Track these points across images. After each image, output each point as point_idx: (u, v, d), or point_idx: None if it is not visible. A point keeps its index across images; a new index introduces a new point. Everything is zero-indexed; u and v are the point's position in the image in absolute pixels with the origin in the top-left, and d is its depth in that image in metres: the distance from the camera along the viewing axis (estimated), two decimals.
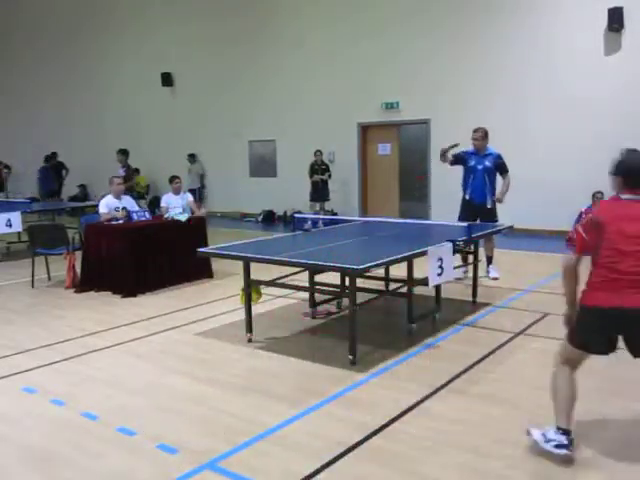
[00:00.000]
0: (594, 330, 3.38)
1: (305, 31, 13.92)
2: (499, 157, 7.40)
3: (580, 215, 10.48)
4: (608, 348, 3.42)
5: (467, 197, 7.45)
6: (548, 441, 3.26)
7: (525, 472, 3.16)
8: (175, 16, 16.21)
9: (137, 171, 16.54)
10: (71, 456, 3.43)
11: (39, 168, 17.32)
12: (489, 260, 7.56)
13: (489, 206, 7.33)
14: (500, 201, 7.35)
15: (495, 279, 7.44)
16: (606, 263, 3.36)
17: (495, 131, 11.46)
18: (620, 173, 3.28)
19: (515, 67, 11.34)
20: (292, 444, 3.49)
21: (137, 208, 8.00)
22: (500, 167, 7.38)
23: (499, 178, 7.48)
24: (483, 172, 7.34)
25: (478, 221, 7.16)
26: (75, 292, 7.39)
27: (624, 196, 3.27)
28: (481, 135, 7.40)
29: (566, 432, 3.25)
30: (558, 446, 3.21)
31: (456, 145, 7.26)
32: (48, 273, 8.08)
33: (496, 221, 7.35)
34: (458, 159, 7.46)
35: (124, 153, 12.50)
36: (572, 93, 10.77)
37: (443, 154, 7.32)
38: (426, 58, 12.27)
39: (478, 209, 7.31)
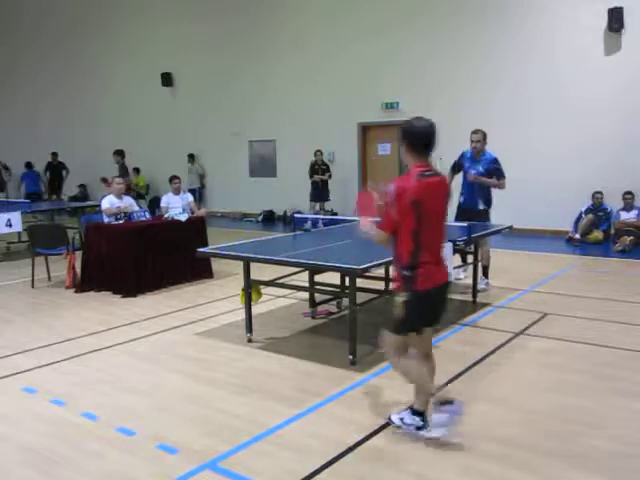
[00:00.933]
0: (428, 311, 3.47)
1: (305, 31, 13.92)
2: (494, 162, 6.98)
3: (580, 215, 10.52)
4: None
5: (460, 201, 7.22)
6: (408, 425, 3.52)
7: (525, 472, 3.16)
8: (175, 16, 16.21)
9: (137, 171, 16.60)
10: (71, 456, 3.43)
11: (22, 172, 17.33)
12: (485, 270, 7.04)
13: (481, 208, 7.03)
14: (474, 178, 6.91)
15: (481, 290, 6.84)
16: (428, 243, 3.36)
17: (495, 131, 11.48)
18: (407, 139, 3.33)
19: (515, 67, 11.34)
20: (292, 444, 3.49)
21: (137, 208, 8.02)
22: (494, 173, 6.95)
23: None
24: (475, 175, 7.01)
25: None
26: (75, 292, 7.39)
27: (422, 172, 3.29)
28: (480, 137, 7.05)
29: (421, 414, 3.50)
30: (418, 428, 3.48)
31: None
32: (48, 273, 8.08)
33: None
34: (458, 169, 7.20)
35: (120, 154, 12.59)
36: (572, 93, 10.78)
37: None
38: (426, 58, 12.27)
39: (469, 213, 7.00)
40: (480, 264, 6.87)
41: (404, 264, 3.35)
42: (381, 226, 3.35)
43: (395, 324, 3.44)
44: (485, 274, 7.05)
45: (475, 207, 7.02)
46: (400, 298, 3.36)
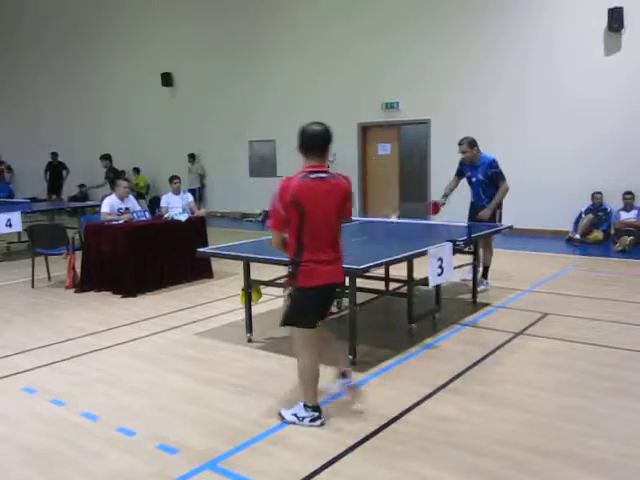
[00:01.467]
0: (310, 308, 3.60)
1: (305, 31, 13.92)
2: (491, 165, 6.74)
3: (580, 215, 10.52)
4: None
5: (471, 200, 7.20)
6: (302, 419, 3.64)
7: (525, 472, 3.16)
8: (175, 16, 16.21)
9: (137, 171, 16.61)
10: (71, 456, 3.43)
11: None
12: (485, 271, 6.99)
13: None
14: (484, 216, 6.75)
15: (481, 291, 6.80)
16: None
17: (495, 131, 11.54)
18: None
19: (515, 67, 11.34)
20: (292, 444, 3.49)
21: (139, 208, 8.03)
22: (494, 177, 6.75)
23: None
24: (477, 185, 6.95)
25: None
26: (75, 292, 7.39)
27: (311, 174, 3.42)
28: (465, 149, 6.78)
29: (315, 408, 3.65)
30: (313, 419, 3.63)
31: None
32: (48, 273, 8.08)
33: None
34: (459, 172, 7.10)
35: (107, 158, 12.66)
36: (572, 93, 10.78)
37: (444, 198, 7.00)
38: (426, 58, 12.27)
39: (478, 211, 7.00)
40: (481, 264, 6.84)
41: (289, 260, 3.53)
42: (270, 223, 3.50)
43: (283, 316, 3.63)
44: (485, 275, 7.02)
45: (483, 208, 6.94)
46: (286, 291, 3.57)
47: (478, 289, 6.61)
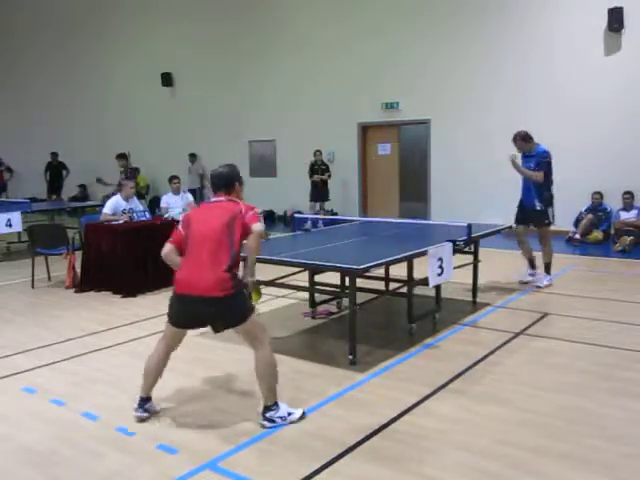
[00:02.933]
0: (173, 309, 3.87)
1: (305, 31, 13.92)
2: (541, 155, 6.90)
3: (580, 214, 10.51)
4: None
5: (520, 198, 7.23)
6: (286, 417, 3.72)
7: (525, 472, 3.16)
8: (175, 16, 16.21)
9: (137, 170, 16.58)
10: (71, 456, 3.43)
11: None
12: (547, 267, 7.10)
13: (538, 208, 6.96)
14: (514, 160, 6.94)
15: (538, 287, 7.02)
16: None
17: (495, 131, 11.53)
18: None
19: (515, 67, 11.34)
20: (292, 444, 3.49)
21: (141, 208, 8.03)
22: (539, 165, 6.89)
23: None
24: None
25: (531, 226, 7.11)
26: (75, 292, 7.39)
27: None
28: (519, 144, 7.01)
29: (276, 403, 3.73)
30: (289, 414, 3.74)
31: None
32: (48, 273, 8.08)
33: (547, 223, 7.00)
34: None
35: (124, 157, 12.55)
36: (572, 93, 10.78)
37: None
38: (426, 58, 12.27)
39: (528, 212, 7.06)
40: (543, 261, 7.10)
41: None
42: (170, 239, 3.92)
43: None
44: (548, 270, 7.14)
45: (533, 207, 7.00)
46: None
47: (539, 284, 7.02)
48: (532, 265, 7.31)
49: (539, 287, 7.02)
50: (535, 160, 6.94)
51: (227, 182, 3.88)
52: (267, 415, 3.70)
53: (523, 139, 6.98)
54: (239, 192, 3.93)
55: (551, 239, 7.17)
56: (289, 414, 3.74)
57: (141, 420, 3.81)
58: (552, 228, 7.15)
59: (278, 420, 3.70)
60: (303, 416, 3.78)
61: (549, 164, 6.94)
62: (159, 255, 4.10)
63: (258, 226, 3.68)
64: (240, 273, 3.73)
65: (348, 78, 13.34)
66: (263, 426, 3.68)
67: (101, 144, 17.77)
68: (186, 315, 3.74)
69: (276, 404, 3.73)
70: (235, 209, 3.73)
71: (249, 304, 3.74)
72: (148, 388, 3.88)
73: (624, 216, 10.14)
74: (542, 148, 7.00)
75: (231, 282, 3.58)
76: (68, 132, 18.98)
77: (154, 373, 3.84)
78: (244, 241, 3.72)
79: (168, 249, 3.91)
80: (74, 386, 4.45)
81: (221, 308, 3.60)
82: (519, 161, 6.99)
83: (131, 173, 12.14)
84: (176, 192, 8.77)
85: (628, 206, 10.19)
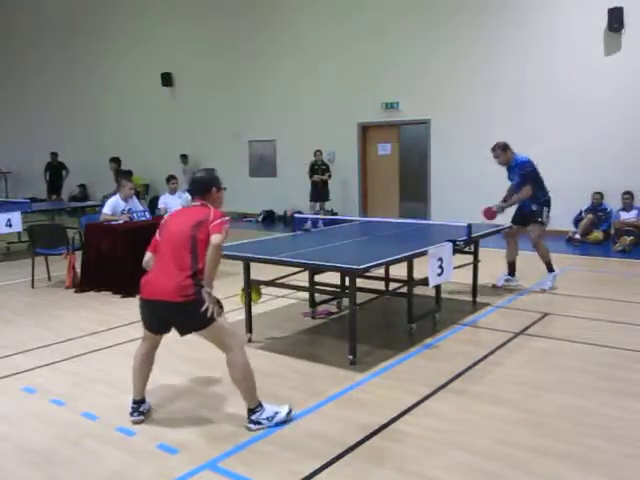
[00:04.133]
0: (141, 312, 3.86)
1: (305, 31, 13.92)
2: (523, 166, 6.81)
3: (580, 214, 10.51)
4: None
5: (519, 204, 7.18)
6: (271, 418, 3.68)
7: (525, 472, 3.16)
8: (175, 16, 16.21)
9: (130, 173, 16.54)
10: (71, 456, 3.43)
11: None
12: (548, 266, 7.04)
13: (534, 208, 6.98)
14: (498, 209, 6.91)
15: (543, 291, 6.90)
16: None
17: (495, 131, 11.52)
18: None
19: (515, 67, 11.34)
20: (292, 444, 3.49)
21: (141, 208, 8.02)
22: (522, 178, 6.83)
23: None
24: (517, 188, 6.96)
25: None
26: (75, 292, 7.39)
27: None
28: (498, 153, 6.90)
29: (260, 404, 3.70)
30: (276, 412, 3.72)
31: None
32: (48, 273, 8.08)
33: (539, 221, 7.00)
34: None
35: (115, 161, 12.58)
36: (572, 93, 10.77)
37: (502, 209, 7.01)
38: (426, 58, 12.27)
39: (524, 214, 7.04)
40: (542, 261, 7.05)
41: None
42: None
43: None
44: (550, 269, 7.07)
45: (529, 208, 6.98)
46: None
47: (546, 287, 6.92)
48: (511, 270, 7.21)
49: (544, 290, 6.91)
50: (517, 172, 6.86)
51: (203, 188, 3.84)
52: (252, 418, 3.67)
53: (503, 149, 6.88)
54: (217, 197, 3.87)
55: (543, 240, 7.08)
56: (275, 414, 3.70)
57: (138, 424, 3.80)
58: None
59: (264, 422, 3.66)
60: (290, 413, 3.75)
61: (534, 171, 6.88)
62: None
63: (216, 238, 3.54)
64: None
65: (348, 78, 13.34)
66: (249, 429, 3.65)
67: (101, 144, 17.77)
68: (151, 319, 3.75)
69: (260, 405, 3.69)
70: (202, 214, 3.68)
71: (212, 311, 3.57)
72: (139, 390, 3.89)
73: (624, 216, 10.14)
74: (522, 158, 6.90)
75: (193, 288, 3.51)
76: (68, 132, 18.99)
77: (139, 374, 3.87)
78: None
79: (148, 257, 3.87)
80: (74, 386, 4.45)
81: (180, 313, 3.58)
82: (503, 204, 6.95)
83: (122, 176, 12.10)
84: (173, 192, 8.77)
85: (628, 206, 10.19)
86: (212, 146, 15.90)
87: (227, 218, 3.71)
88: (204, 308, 3.51)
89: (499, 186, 7.50)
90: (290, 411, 3.77)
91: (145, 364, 3.87)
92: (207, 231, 3.58)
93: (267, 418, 3.68)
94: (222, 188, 3.94)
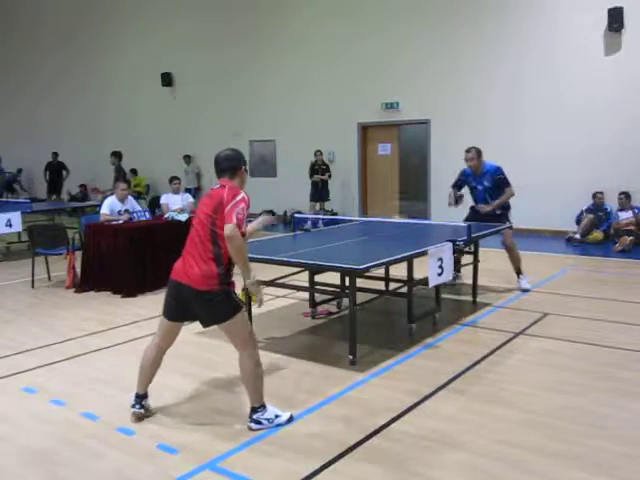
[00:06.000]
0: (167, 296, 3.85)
1: (305, 31, 13.93)
2: (497, 172, 6.88)
3: (581, 213, 10.52)
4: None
5: (473, 208, 7.20)
6: (272, 419, 3.67)
7: (525, 472, 3.16)
8: (175, 16, 16.21)
9: (134, 172, 16.59)
10: (71, 456, 3.43)
11: None
12: (518, 272, 7.02)
13: (498, 212, 6.95)
14: (483, 210, 6.92)
15: (525, 290, 6.91)
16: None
17: (494, 131, 11.54)
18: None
19: (515, 67, 11.34)
20: (292, 444, 3.49)
21: (139, 208, 8.02)
22: (500, 183, 6.87)
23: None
24: (484, 192, 6.98)
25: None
26: (75, 292, 7.39)
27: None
28: (473, 156, 6.90)
29: (263, 406, 3.71)
30: (277, 416, 3.70)
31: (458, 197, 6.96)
32: (48, 273, 8.08)
33: (509, 227, 6.88)
34: (460, 185, 7.14)
35: (117, 155, 12.54)
36: (572, 93, 10.78)
37: (452, 203, 6.99)
38: (426, 58, 12.27)
39: (487, 218, 6.93)
40: (513, 267, 7.01)
41: None
42: None
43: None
44: (519, 273, 7.02)
45: (492, 213, 6.93)
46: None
47: (521, 286, 6.94)
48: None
49: (526, 290, 6.90)
50: (490, 177, 6.88)
51: (233, 164, 3.65)
52: (254, 417, 3.67)
53: (478, 153, 6.92)
54: (243, 177, 3.70)
55: (513, 242, 7.01)
56: (276, 417, 3.70)
57: (138, 417, 3.82)
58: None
59: (265, 422, 3.66)
60: (291, 420, 3.74)
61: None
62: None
63: (227, 229, 3.38)
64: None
65: (348, 78, 13.34)
66: (250, 428, 3.66)
67: (101, 144, 17.76)
68: (175, 301, 3.68)
69: (263, 406, 3.69)
70: (219, 196, 3.50)
71: (235, 304, 3.57)
72: (144, 384, 3.88)
73: (623, 216, 10.14)
74: (494, 165, 6.96)
75: (217, 278, 3.48)
76: (68, 132, 18.99)
77: (149, 369, 3.84)
78: None
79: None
80: (74, 386, 4.45)
81: (203, 302, 3.55)
82: (485, 207, 6.94)
83: (120, 175, 12.11)
84: (176, 192, 8.79)
85: (623, 206, 10.15)
86: (212, 146, 15.78)
87: (240, 197, 3.47)
88: (257, 298, 3.60)
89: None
90: (291, 418, 3.76)
91: (156, 360, 3.87)
92: (223, 216, 3.44)
93: (268, 419, 3.68)
94: (247, 170, 3.80)
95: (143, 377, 3.85)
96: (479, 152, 6.95)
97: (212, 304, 3.54)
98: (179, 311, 3.73)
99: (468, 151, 6.97)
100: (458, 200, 7.00)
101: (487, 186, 6.94)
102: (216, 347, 5.23)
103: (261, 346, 5.23)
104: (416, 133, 12.83)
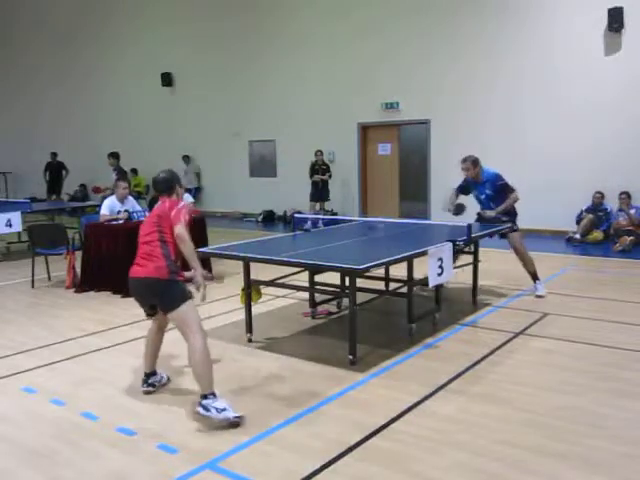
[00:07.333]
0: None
1: (305, 31, 13.93)
2: (497, 179, 6.76)
3: (581, 213, 10.52)
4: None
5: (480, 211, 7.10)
6: (220, 409, 3.71)
7: (525, 472, 3.16)
8: (175, 16, 16.22)
9: (134, 172, 16.60)
10: (71, 456, 3.43)
11: None
12: (534, 277, 6.82)
13: (504, 219, 6.80)
14: (486, 215, 6.82)
15: (540, 297, 6.67)
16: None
17: (495, 131, 11.55)
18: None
19: (515, 67, 11.34)
20: (292, 444, 3.49)
21: (139, 208, 8.00)
22: (502, 189, 6.74)
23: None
24: (488, 200, 6.90)
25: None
26: (75, 292, 7.39)
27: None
28: (468, 166, 6.78)
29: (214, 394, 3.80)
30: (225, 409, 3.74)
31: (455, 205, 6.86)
32: (48, 273, 8.08)
33: (515, 229, 6.78)
34: (463, 191, 7.04)
35: (115, 156, 12.51)
36: (572, 93, 10.78)
37: (450, 209, 6.88)
38: (426, 58, 12.28)
39: (490, 222, 6.84)
40: (527, 271, 6.84)
41: None
42: None
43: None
44: (535, 278, 6.83)
45: (498, 219, 6.81)
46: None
47: (536, 293, 6.71)
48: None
49: (541, 296, 6.72)
50: (491, 185, 6.79)
51: (169, 185, 4.16)
52: (203, 402, 3.74)
53: (474, 163, 6.80)
54: (179, 192, 4.23)
55: (524, 245, 6.90)
56: (225, 409, 3.70)
57: (146, 393, 4.16)
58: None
59: (212, 410, 3.69)
60: (239, 419, 3.70)
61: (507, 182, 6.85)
62: None
63: (177, 229, 3.88)
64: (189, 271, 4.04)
65: (348, 78, 13.35)
66: (198, 412, 3.74)
67: (101, 144, 17.74)
68: (135, 296, 4.12)
69: (213, 394, 3.75)
70: (162, 208, 4.04)
71: (182, 293, 3.91)
72: (149, 363, 4.24)
73: (623, 216, 10.13)
74: (492, 172, 6.84)
75: (166, 269, 3.88)
76: (68, 132, 18.99)
77: (150, 348, 4.23)
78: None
79: None
80: (74, 386, 4.45)
81: (154, 290, 3.92)
82: (490, 213, 6.83)
83: (120, 174, 12.06)
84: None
85: (624, 206, 10.14)
86: (212, 146, 15.91)
87: (181, 205, 4.03)
88: (200, 292, 3.97)
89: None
90: (240, 418, 3.72)
91: (156, 338, 4.24)
92: (169, 221, 3.93)
93: (216, 408, 3.71)
94: (182, 186, 4.35)
95: (147, 356, 4.24)
96: (475, 162, 6.81)
97: (162, 293, 3.92)
98: (142, 304, 4.18)
99: (463, 161, 6.86)
100: (459, 209, 6.84)
101: (489, 194, 6.83)
102: (215, 347, 5.21)
103: (261, 346, 5.25)
104: (416, 133, 12.83)
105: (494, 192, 6.81)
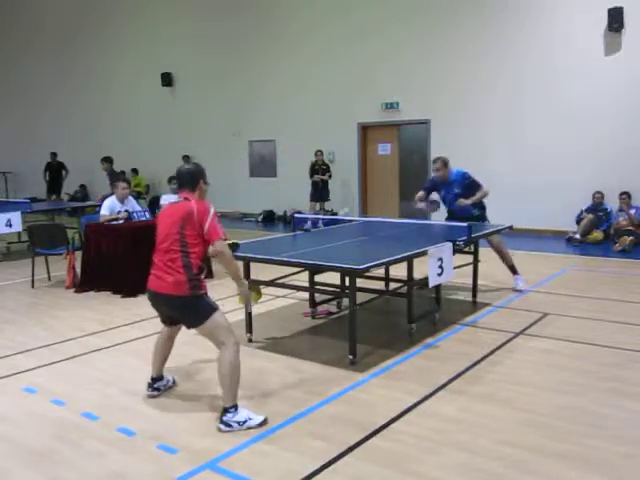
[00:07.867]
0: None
1: (305, 31, 13.92)
2: (464, 177, 6.89)
3: (581, 213, 10.52)
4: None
5: (450, 213, 7.20)
6: (242, 422, 3.64)
7: (525, 472, 3.16)
8: (175, 16, 16.22)
9: (135, 171, 16.59)
10: (71, 456, 3.43)
11: None
12: (513, 270, 7.02)
13: (475, 213, 6.94)
14: (461, 204, 6.84)
15: (519, 291, 6.88)
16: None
17: (494, 131, 11.55)
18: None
19: (515, 67, 11.34)
20: (292, 444, 3.49)
21: (139, 208, 7.98)
22: (471, 186, 6.86)
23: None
24: (455, 199, 6.93)
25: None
26: (75, 292, 7.39)
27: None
28: (439, 166, 6.96)
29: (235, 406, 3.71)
30: (250, 418, 3.68)
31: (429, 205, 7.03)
32: (48, 273, 8.08)
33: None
34: (431, 190, 7.16)
35: (108, 161, 12.48)
36: (571, 93, 10.77)
37: (424, 209, 7.05)
38: (426, 58, 12.27)
39: (463, 218, 6.81)
40: (506, 265, 7.01)
41: None
42: None
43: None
44: (514, 272, 7.03)
45: (469, 213, 6.91)
46: None
47: (516, 287, 6.92)
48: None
49: (520, 291, 6.87)
50: (458, 186, 6.88)
51: (192, 179, 3.87)
52: (224, 418, 3.65)
53: (444, 164, 6.98)
54: (203, 191, 3.92)
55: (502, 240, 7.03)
56: (248, 419, 3.66)
57: (149, 397, 4.13)
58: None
59: (234, 424, 3.63)
60: (264, 423, 3.68)
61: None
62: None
63: (219, 245, 3.66)
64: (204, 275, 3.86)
65: (348, 78, 13.34)
66: (219, 429, 3.64)
67: (101, 144, 17.75)
68: (158, 311, 4.00)
69: (235, 407, 3.68)
70: (187, 209, 3.70)
71: (208, 307, 3.73)
72: (156, 368, 4.18)
73: (623, 216, 10.13)
74: (460, 171, 6.99)
75: (187, 284, 3.65)
76: (68, 132, 18.99)
77: (159, 354, 4.15)
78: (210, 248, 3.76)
79: None
80: (74, 386, 4.45)
81: (177, 307, 3.75)
82: (465, 201, 6.87)
83: (114, 177, 12.03)
84: (175, 192, 8.75)
85: (624, 207, 10.14)
86: (212, 146, 15.90)
87: (212, 211, 3.72)
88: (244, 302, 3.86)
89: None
90: (264, 421, 3.70)
91: (166, 345, 4.16)
92: (195, 228, 3.65)
93: (238, 422, 3.65)
94: (207, 183, 3.98)
95: (155, 361, 4.17)
96: (445, 162, 7.00)
97: (185, 309, 3.74)
98: (163, 318, 4.07)
99: (434, 162, 7.06)
100: (434, 205, 7.02)
101: (458, 192, 6.90)
102: (215, 347, 5.22)
103: (261, 346, 5.25)
104: (416, 133, 12.83)
105: (463, 190, 6.89)
